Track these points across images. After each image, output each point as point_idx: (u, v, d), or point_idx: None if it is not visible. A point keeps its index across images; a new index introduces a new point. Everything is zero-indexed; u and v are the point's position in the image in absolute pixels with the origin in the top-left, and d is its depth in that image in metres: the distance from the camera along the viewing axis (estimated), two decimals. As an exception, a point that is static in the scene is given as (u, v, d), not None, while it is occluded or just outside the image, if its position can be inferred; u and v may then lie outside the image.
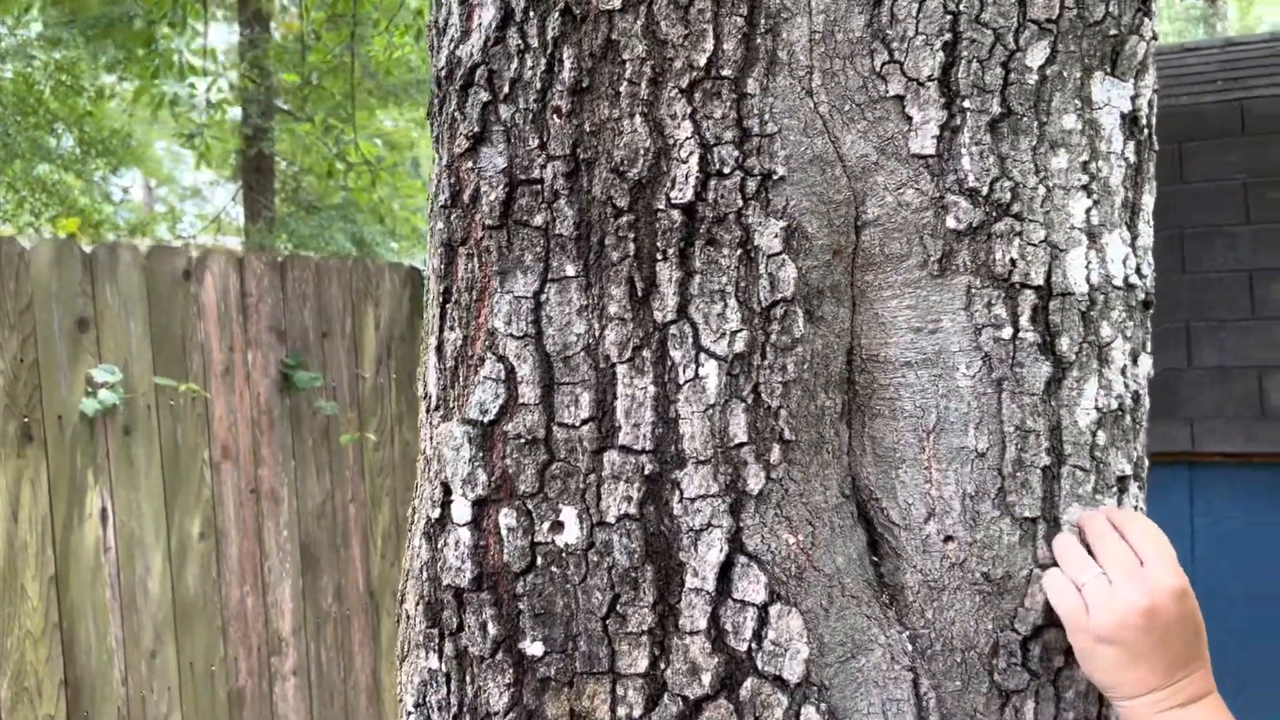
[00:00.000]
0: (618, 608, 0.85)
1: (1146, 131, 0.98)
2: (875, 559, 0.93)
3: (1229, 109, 3.97)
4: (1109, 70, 0.93)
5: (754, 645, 0.84)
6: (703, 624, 0.84)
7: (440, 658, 0.90)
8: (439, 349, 0.91)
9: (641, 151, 0.83)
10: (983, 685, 0.89)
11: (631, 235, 0.83)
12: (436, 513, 0.88)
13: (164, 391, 3.07)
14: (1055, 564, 0.89)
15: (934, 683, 0.88)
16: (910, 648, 0.88)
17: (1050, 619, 0.90)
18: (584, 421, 0.85)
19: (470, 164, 0.87)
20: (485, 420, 0.86)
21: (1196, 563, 3.53)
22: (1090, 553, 0.85)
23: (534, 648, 0.86)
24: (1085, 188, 0.92)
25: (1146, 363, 0.99)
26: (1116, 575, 0.80)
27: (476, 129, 0.87)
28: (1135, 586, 0.79)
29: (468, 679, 0.88)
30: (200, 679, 3.19)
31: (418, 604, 0.92)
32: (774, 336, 0.85)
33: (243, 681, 3.34)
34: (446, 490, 0.88)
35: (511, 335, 0.85)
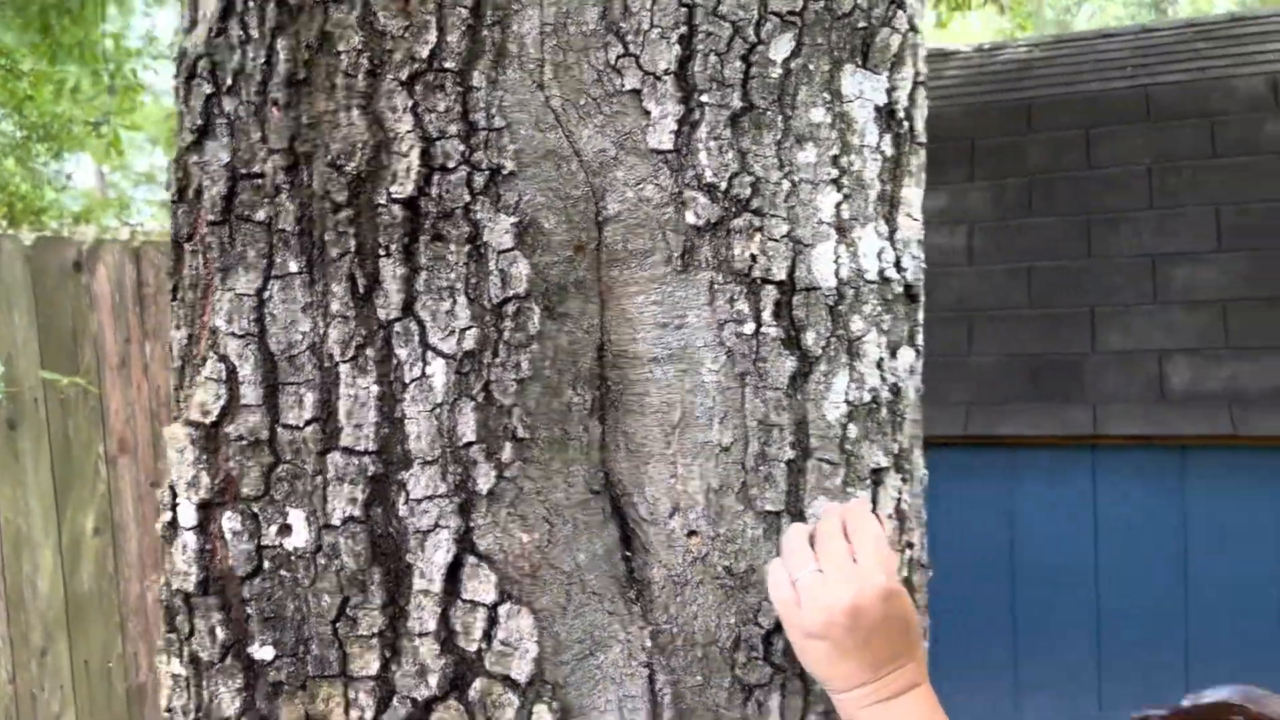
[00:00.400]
0: (348, 610, 0.84)
1: (907, 125, 0.97)
2: (630, 554, 0.93)
3: (1136, 94, 4.02)
4: (860, 63, 0.93)
5: (484, 645, 0.84)
6: (432, 625, 0.83)
7: (181, 662, 0.89)
8: (172, 348, 0.89)
9: (359, 145, 0.81)
10: (725, 680, 0.89)
11: (352, 231, 0.82)
12: (168, 516, 0.87)
13: (54, 385, 3.01)
14: (800, 558, 0.90)
15: (673, 678, 0.88)
16: (650, 644, 0.88)
17: (796, 613, 0.90)
18: (308, 422, 0.83)
19: (195, 158, 0.85)
20: (207, 422, 0.84)
21: (1100, 544, 3.59)
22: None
23: (263, 652, 0.85)
24: (835, 182, 0.92)
25: (908, 355, 0.99)
26: (829, 572, 0.81)
27: (200, 122, 0.85)
28: (843, 585, 0.79)
29: (204, 684, 0.87)
30: (96, 676, 3.14)
31: (162, 608, 0.91)
32: (507, 334, 0.84)
33: (144, 677, 3.30)
34: (174, 493, 0.86)
35: (233, 334, 0.83)
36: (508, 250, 0.83)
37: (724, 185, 0.88)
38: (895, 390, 0.97)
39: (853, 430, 0.93)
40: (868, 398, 0.94)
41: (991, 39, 5.02)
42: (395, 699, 0.84)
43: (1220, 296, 3.59)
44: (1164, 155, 3.85)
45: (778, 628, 0.90)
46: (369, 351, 0.82)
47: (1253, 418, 3.38)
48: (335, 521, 0.83)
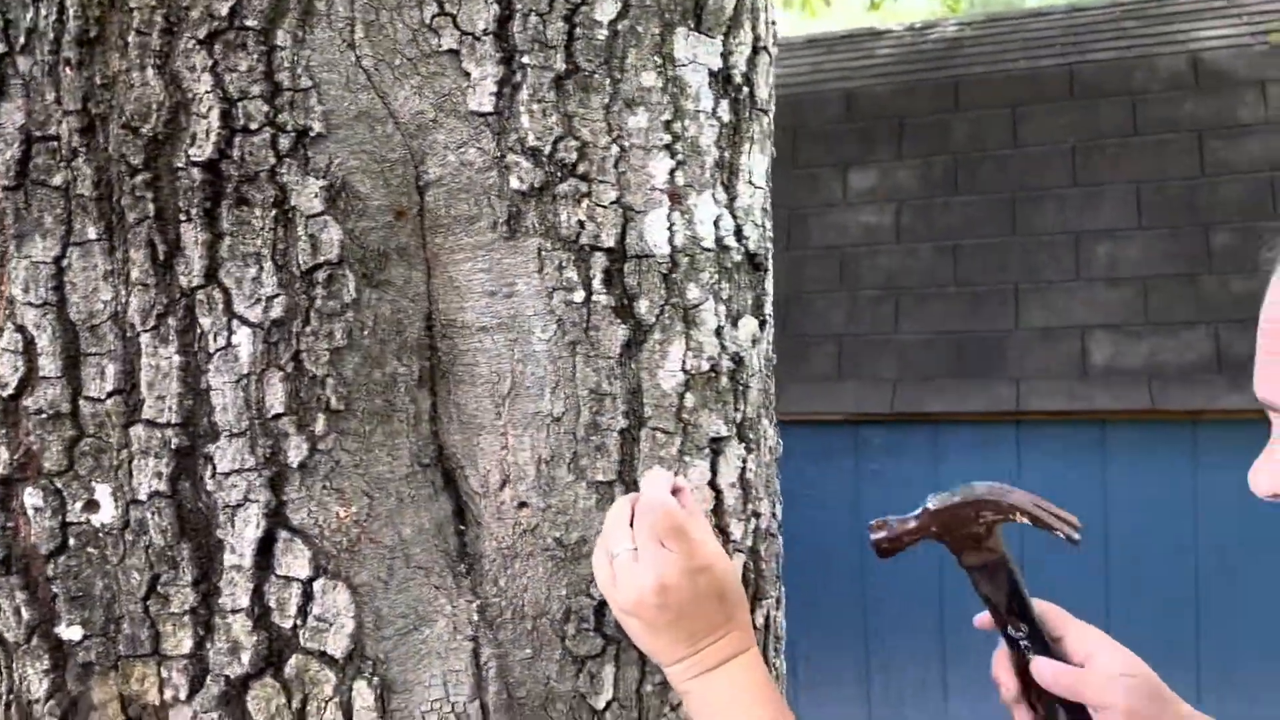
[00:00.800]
0: (159, 588, 0.82)
1: (746, 90, 0.96)
2: (463, 528, 0.91)
3: (1061, 73, 4.05)
4: (693, 26, 0.91)
5: (299, 621, 0.82)
6: (245, 602, 0.81)
7: (-8, 644, 0.86)
8: (-28, 320, 0.86)
9: (155, 106, 0.78)
10: (555, 652, 0.88)
11: (150, 195, 0.79)
12: (-29, 493, 0.84)
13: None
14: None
15: (499, 651, 0.86)
16: (477, 617, 0.86)
17: (628, 584, 0.89)
18: (110, 394, 0.80)
19: (-10, 120, 0.82)
20: (5, 395, 0.81)
21: (1024, 518, 3.63)
22: None
23: (71, 632, 0.82)
24: (669, 148, 0.90)
25: (751, 324, 0.98)
26: (641, 550, 0.79)
27: (-6, 83, 0.81)
28: (650, 564, 0.78)
29: (14, 666, 0.84)
30: None
31: (-27, 589, 0.88)
32: (319, 301, 0.82)
33: None
34: (-26, 469, 0.83)
35: (30, 304, 0.80)
36: (317, 215, 0.81)
37: (548, 149, 0.86)
38: (737, 359, 0.96)
39: (690, 399, 0.92)
40: (706, 367, 0.93)
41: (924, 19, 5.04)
42: (209, 677, 0.82)
43: (1140, 273, 3.64)
44: (1088, 133, 3.89)
45: (609, 599, 0.88)
46: (171, 320, 0.80)
47: (1171, 392, 3.44)
48: (142, 496, 0.81)
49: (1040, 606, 0.92)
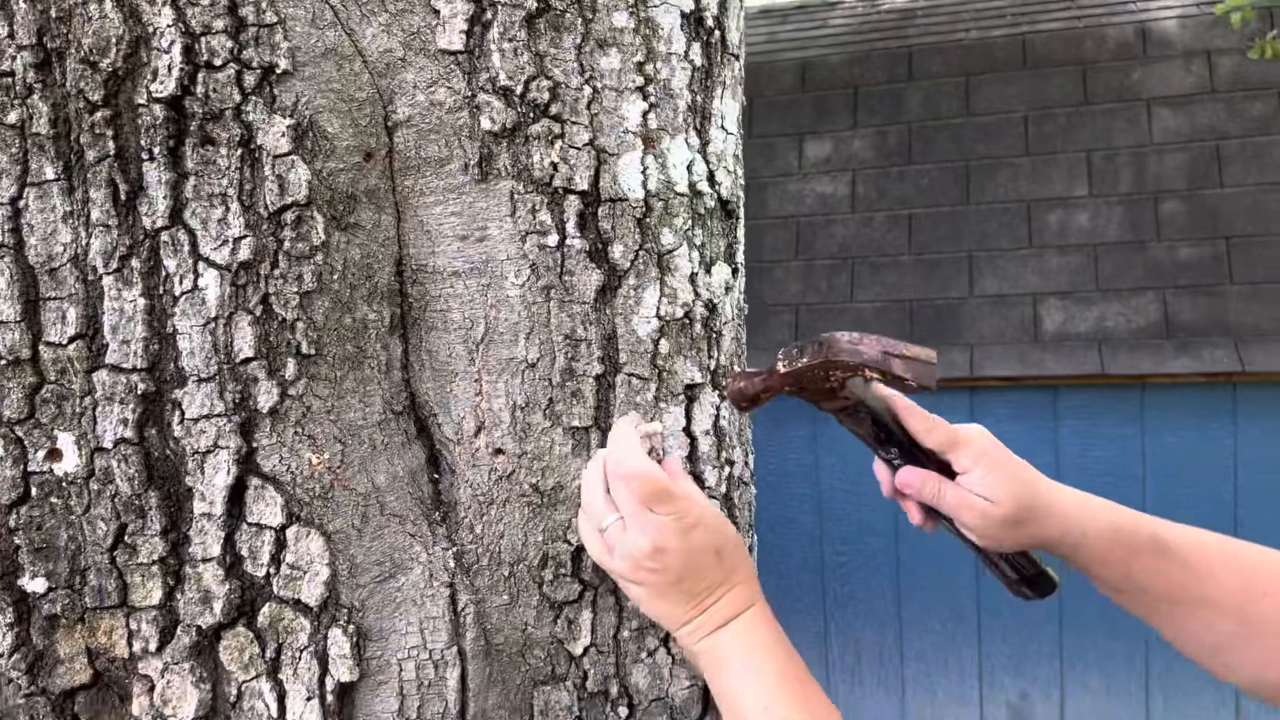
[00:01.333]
0: (126, 538, 0.80)
1: (718, 34, 0.95)
2: (437, 475, 0.90)
3: (1013, 43, 4.08)
4: (665, -34, 0.90)
5: (272, 570, 0.80)
6: (216, 550, 0.80)
7: (-50, 600, 0.83)
8: (-76, 265, 0.83)
9: (114, 40, 0.76)
10: (533, 598, 0.87)
11: (110, 133, 0.76)
12: (-75, 444, 0.81)
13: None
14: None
15: (476, 598, 0.86)
16: (453, 564, 0.85)
17: (605, 530, 0.88)
18: (72, 339, 0.78)
19: (-61, 57, 0.79)
20: (-39, 340, 0.78)
21: (977, 482, 3.69)
22: None
23: (35, 584, 0.80)
24: (641, 90, 0.89)
25: (724, 271, 0.97)
26: (627, 518, 0.79)
27: (-58, 17, 0.78)
28: (641, 530, 0.78)
29: (-26, 620, 0.82)
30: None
31: (-70, 544, 0.85)
32: (287, 244, 0.80)
33: None
34: (-72, 418, 0.80)
35: (-14, 246, 0.78)
36: (285, 155, 0.79)
37: (519, 89, 0.85)
38: (710, 306, 0.96)
39: (664, 346, 0.91)
40: (680, 313, 0.92)
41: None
42: (180, 628, 0.80)
43: (1090, 241, 3.69)
44: (1039, 102, 3.93)
45: (586, 545, 0.88)
46: (134, 263, 0.78)
47: (1120, 357, 3.50)
48: (107, 444, 0.79)
49: (939, 434, 0.92)
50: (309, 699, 0.81)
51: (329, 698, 0.81)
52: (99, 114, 0.76)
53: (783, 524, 3.90)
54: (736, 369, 0.95)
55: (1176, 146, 3.68)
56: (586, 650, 0.89)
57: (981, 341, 3.70)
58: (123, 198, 0.77)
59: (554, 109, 0.85)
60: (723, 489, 0.98)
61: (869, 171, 4.03)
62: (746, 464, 1.04)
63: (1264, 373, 3.28)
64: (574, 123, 0.86)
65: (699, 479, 0.94)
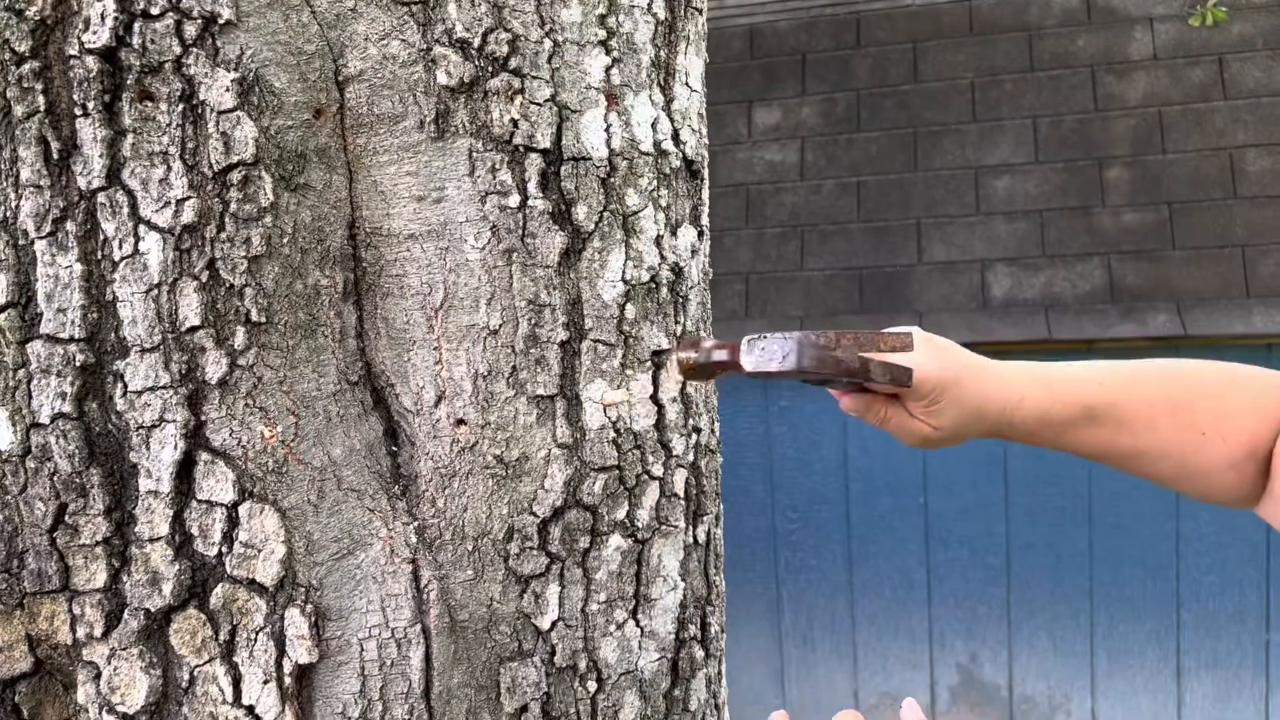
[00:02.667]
0: (66, 518, 0.75)
1: (681, -14, 0.92)
2: (396, 448, 0.86)
3: (960, 10, 4.08)
4: (627, -85, 0.86)
5: (224, 549, 0.76)
6: (164, 529, 0.76)
7: (-124, 588, 0.78)
8: None
9: (41, -13, 0.71)
10: (498, 573, 0.84)
11: (40, 87, 0.71)
12: None
13: None
14: (575, 443, 0.85)
15: (440, 574, 0.83)
16: (415, 540, 0.82)
17: (572, 499, 0.86)
18: (2, 308, 0.73)
19: None
20: (-120, 310, 0.73)
21: (928, 452, 3.72)
22: None
23: (-31, 568, 0.75)
24: (604, 44, 0.86)
25: (690, 234, 0.95)
26: None
27: None
28: None
29: (-96, 609, 0.77)
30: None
31: None
32: (233, 205, 0.75)
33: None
34: None
35: (-96, 209, 0.72)
36: (229, 111, 0.74)
37: (477, 42, 0.81)
38: (677, 270, 0.93)
39: (631, 310, 0.89)
40: (646, 277, 0.90)
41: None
42: (127, 611, 0.76)
43: (1037, 207, 3.73)
44: (986, 69, 3.95)
45: (554, 515, 0.85)
46: (69, 225, 0.73)
47: (1066, 322, 3.55)
48: (44, 419, 0.74)
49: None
50: (266, 682, 0.77)
51: (287, 680, 0.78)
52: (27, 66, 0.71)
53: (735, 493, 3.91)
54: (691, 335, 0.92)
55: (1121, 113, 3.72)
56: (554, 624, 0.86)
57: (930, 309, 3.72)
58: (55, 156, 0.72)
59: (513, 63, 0.82)
60: (690, 457, 0.96)
61: (818, 139, 4.02)
62: (713, 431, 1.02)
63: (1204, 335, 3.34)
64: (534, 78, 0.83)
65: (666, 447, 0.92)
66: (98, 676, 0.76)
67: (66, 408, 0.74)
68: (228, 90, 0.74)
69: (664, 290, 0.91)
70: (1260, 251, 3.43)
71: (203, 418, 0.76)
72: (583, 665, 0.87)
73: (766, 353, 0.83)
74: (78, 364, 0.73)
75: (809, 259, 3.89)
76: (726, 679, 1.05)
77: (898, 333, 0.88)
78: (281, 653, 0.77)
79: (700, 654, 0.97)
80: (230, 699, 0.77)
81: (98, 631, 0.76)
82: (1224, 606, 3.51)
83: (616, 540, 0.89)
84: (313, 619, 0.78)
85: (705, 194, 1.00)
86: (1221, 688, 3.55)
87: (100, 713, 0.77)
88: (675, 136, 0.92)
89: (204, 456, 0.76)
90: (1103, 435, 0.90)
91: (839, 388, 0.92)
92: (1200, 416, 0.87)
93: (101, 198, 0.73)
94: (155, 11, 0.72)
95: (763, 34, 4.25)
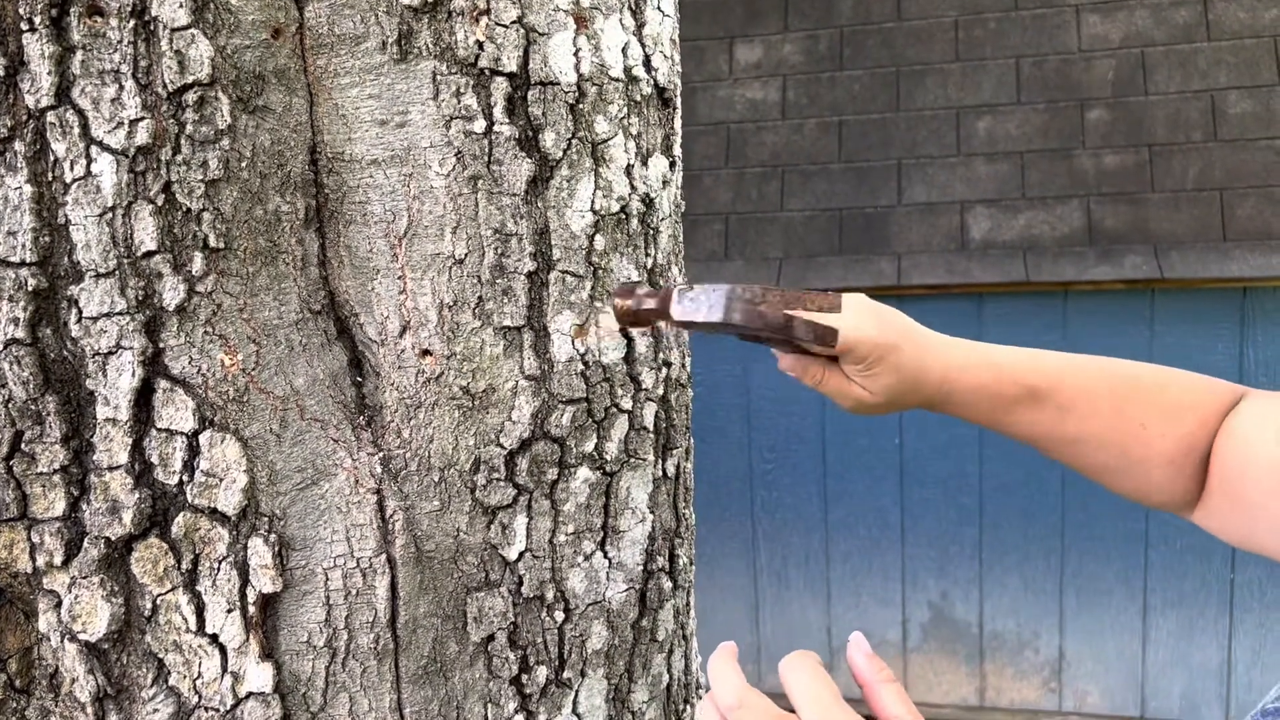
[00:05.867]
0: (23, 446, 0.74)
1: (654, -94, 0.89)
2: (360, 379, 0.85)
3: (945, -54, 4.01)
4: None
5: (185, 477, 0.76)
6: (123, 458, 0.75)
7: None
8: None
9: (-19, -107, 0.68)
10: (465, 504, 0.84)
11: (-17, 0, 0.69)
12: None
13: None
14: (543, 375, 0.85)
15: (405, 504, 0.82)
16: (380, 470, 0.82)
17: (540, 431, 0.85)
18: (-50, 230, 0.71)
19: None
20: None
21: (903, 390, 3.74)
22: None
23: (-76, 496, 0.74)
24: (573, -36, 0.83)
25: (661, 164, 0.93)
26: None
27: None
28: None
29: None
30: None
31: None
32: (189, 127, 0.73)
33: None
34: None
35: None
36: (183, 28, 0.72)
37: (441, -40, 0.78)
38: (647, 201, 0.92)
39: (600, 241, 0.87)
40: (616, 207, 0.88)
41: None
42: (87, 540, 0.75)
43: (1018, 149, 3.70)
44: (970, 7, 3.89)
45: (521, 447, 0.85)
46: (18, 145, 0.71)
47: (1044, 265, 3.55)
48: (-4, 346, 0.73)
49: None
50: (229, 611, 0.77)
51: (250, 609, 0.77)
52: (-32, -23, 0.68)
53: (712, 434, 3.92)
54: (626, 283, 0.89)
55: (1104, 53, 3.69)
56: (521, 555, 0.86)
57: (910, 250, 3.71)
58: (2, 74, 0.70)
59: (479, -17, 0.79)
60: (659, 391, 0.95)
61: (800, 77, 3.97)
62: (684, 365, 1.01)
63: (1180, 279, 3.35)
64: (501, -1, 0.80)
65: (636, 380, 0.91)
66: (59, 605, 0.76)
67: (20, 333, 0.72)
68: (181, 6, 0.72)
69: (634, 221, 0.90)
70: (1238, 195, 3.43)
71: (161, 345, 0.74)
72: (550, 595, 0.88)
73: (695, 303, 0.82)
74: (30, 289, 0.72)
75: (789, 199, 3.87)
76: (695, 610, 1.06)
77: (825, 293, 0.86)
78: (245, 581, 0.77)
79: (668, 585, 0.97)
80: (194, 627, 0.76)
81: (58, 560, 0.75)
82: (1190, 546, 3.57)
83: (585, 473, 0.88)
84: (276, 548, 0.77)
85: (678, 123, 0.98)
86: (1186, 625, 3.63)
87: (62, 640, 0.76)
88: (646, 62, 0.90)
89: (163, 384, 0.75)
90: (1043, 418, 0.88)
91: (777, 347, 0.90)
92: (1142, 409, 0.86)
93: (51, 117, 0.71)
94: (103, -78, 0.69)
95: (745, -31, 4.17)
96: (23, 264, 0.71)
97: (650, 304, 0.84)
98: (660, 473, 0.96)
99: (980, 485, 3.73)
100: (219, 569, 0.76)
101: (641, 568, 0.94)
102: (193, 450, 0.75)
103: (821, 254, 3.77)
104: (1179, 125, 3.55)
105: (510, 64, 0.81)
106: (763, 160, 3.93)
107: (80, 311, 0.73)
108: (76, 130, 0.71)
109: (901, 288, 3.66)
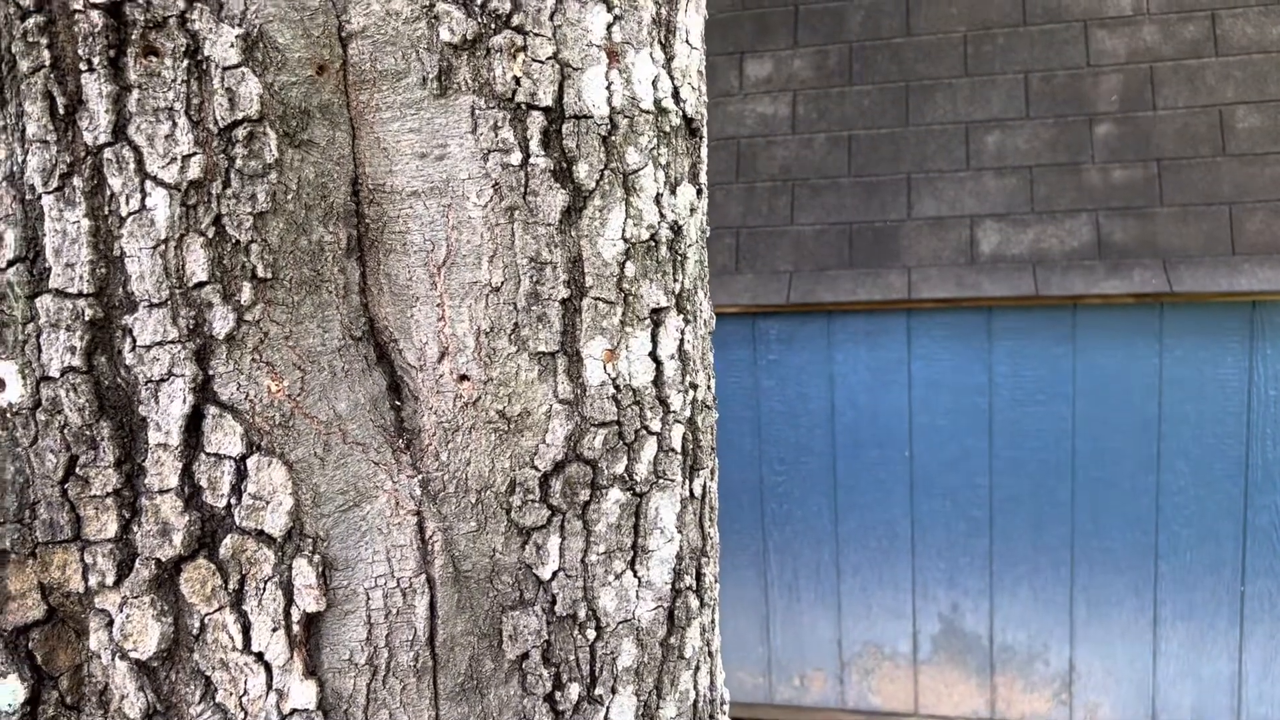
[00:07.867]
0: (77, 470, 0.77)
1: (683, -57, 0.92)
2: (399, 403, 0.88)
3: (953, -38, 4.04)
4: None
5: (233, 500, 0.78)
6: (174, 481, 0.77)
7: (-111, 537, 0.79)
8: None
9: (44, -60, 0.70)
10: (500, 525, 0.86)
11: (45, 41, 0.71)
12: None
13: None
14: (575, 399, 0.87)
15: (443, 525, 0.84)
16: (419, 492, 0.84)
17: (572, 453, 0.88)
18: (11, 263, 0.74)
19: None
20: (-112, 264, 0.73)
21: (914, 402, 3.76)
22: None
23: (-18, 519, 0.77)
24: (605, 1, 0.86)
25: (689, 192, 0.96)
26: None
27: None
28: None
29: (-83, 558, 0.78)
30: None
31: None
32: (239, 161, 0.76)
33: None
34: None
35: (-89, 163, 0.72)
36: (234, 67, 0.75)
37: (481, -1, 0.81)
38: (676, 228, 0.94)
39: (630, 268, 0.90)
40: (646, 235, 0.91)
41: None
42: (138, 561, 0.78)
43: (1027, 163, 3.73)
44: (979, 22, 3.92)
45: (555, 469, 0.87)
46: (76, 181, 0.73)
47: (1053, 279, 3.57)
48: (53, 373, 0.75)
49: None
50: (274, 630, 0.79)
51: (295, 628, 0.80)
52: (31, 20, 0.71)
53: (723, 446, 3.94)
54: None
55: (1112, 68, 3.71)
56: (555, 574, 0.88)
57: (919, 264, 3.73)
58: (61, 111, 0.72)
59: (516, 19, 0.82)
60: (687, 413, 0.97)
61: (809, 92, 4.01)
62: (709, 388, 1.03)
63: (1189, 293, 3.37)
64: (537, 34, 0.83)
65: (665, 404, 0.94)
66: (110, 624, 0.78)
67: (76, 361, 0.75)
68: (232, 46, 0.74)
69: (663, 248, 0.92)
70: (1247, 210, 3.45)
71: (210, 372, 0.77)
72: (582, 614, 0.90)
73: None
74: (86, 318, 0.74)
75: (799, 213, 3.89)
76: (719, 627, 1.08)
77: None
78: (290, 601, 0.79)
79: (695, 603, 0.99)
80: (240, 646, 0.79)
81: (109, 580, 0.78)
82: (1201, 558, 3.58)
83: (615, 493, 0.91)
84: (320, 569, 0.80)
85: (704, 152, 1.00)
86: (1197, 637, 3.63)
87: (113, 658, 0.79)
88: (675, 94, 0.93)
89: (212, 410, 0.77)
90: None
91: None
92: None
93: (108, 153, 0.73)
94: (159, -34, 0.72)
95: (755, -16, 4.21)
96: (80, 295, 0.74)
97: None
98: (688, 493, 0.98)
99: (990, 497, 3.74)
100: (264, 589, 0.79)
101: (670, 586, 0.96)
102: (240, 474, 0.78)
103: (831, 268, 3.79)
104: (1187, 140, 3.57)
105: (546, 98, 0.84)
106: (773, 174, 3.96)
107: (134, 340, 0.75)
108: (132, 166, 0.74)
109: (911, 301, 3.68)
